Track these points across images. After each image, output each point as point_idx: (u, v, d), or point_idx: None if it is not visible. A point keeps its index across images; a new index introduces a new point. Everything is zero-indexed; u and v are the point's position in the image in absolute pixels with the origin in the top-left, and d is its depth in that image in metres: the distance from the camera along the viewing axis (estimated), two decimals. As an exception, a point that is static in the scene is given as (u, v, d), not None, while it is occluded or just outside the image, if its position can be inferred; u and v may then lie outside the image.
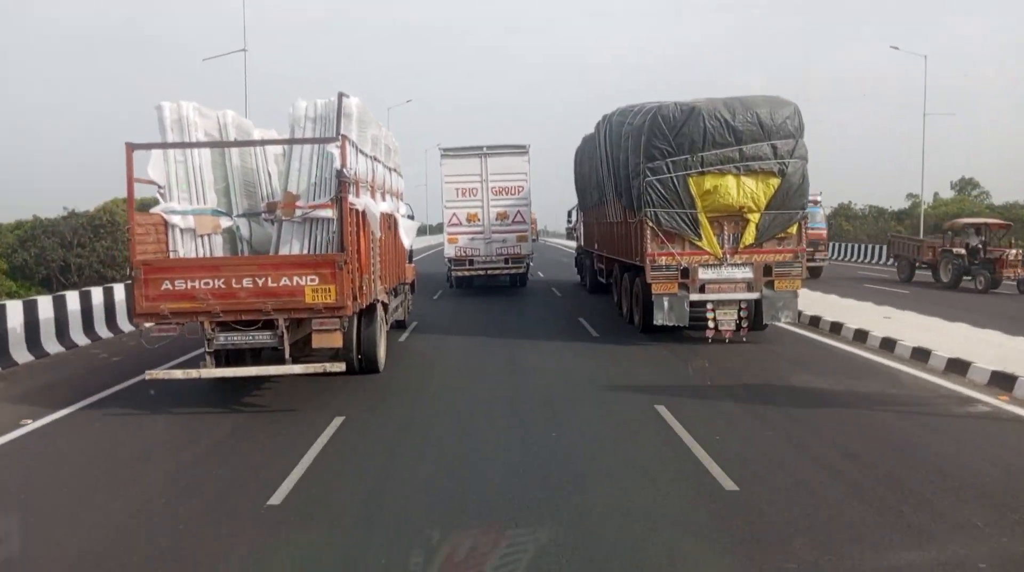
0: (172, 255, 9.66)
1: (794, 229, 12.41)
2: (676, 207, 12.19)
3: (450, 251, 21.87)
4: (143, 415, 8.96)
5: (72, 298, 13.93)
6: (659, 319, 12.46)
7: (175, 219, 9.74)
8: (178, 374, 9.11)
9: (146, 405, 9.32)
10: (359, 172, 10.01)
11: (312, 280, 8.92)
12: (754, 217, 12.22)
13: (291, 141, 9.92)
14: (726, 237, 12.34)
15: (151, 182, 9.60)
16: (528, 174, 21.80)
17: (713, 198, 12.12)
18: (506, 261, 21.87)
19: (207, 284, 8.84)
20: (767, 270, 12.39)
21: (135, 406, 9.33)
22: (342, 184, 9.20)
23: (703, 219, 12.24)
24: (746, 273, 12.40)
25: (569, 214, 28.93)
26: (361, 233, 9.95)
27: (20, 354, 12.17)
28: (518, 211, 21.75)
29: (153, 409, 9.15)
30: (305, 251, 9.68)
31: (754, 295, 12.45)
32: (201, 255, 9.90)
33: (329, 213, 9.62)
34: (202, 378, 9.34)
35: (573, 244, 30.66)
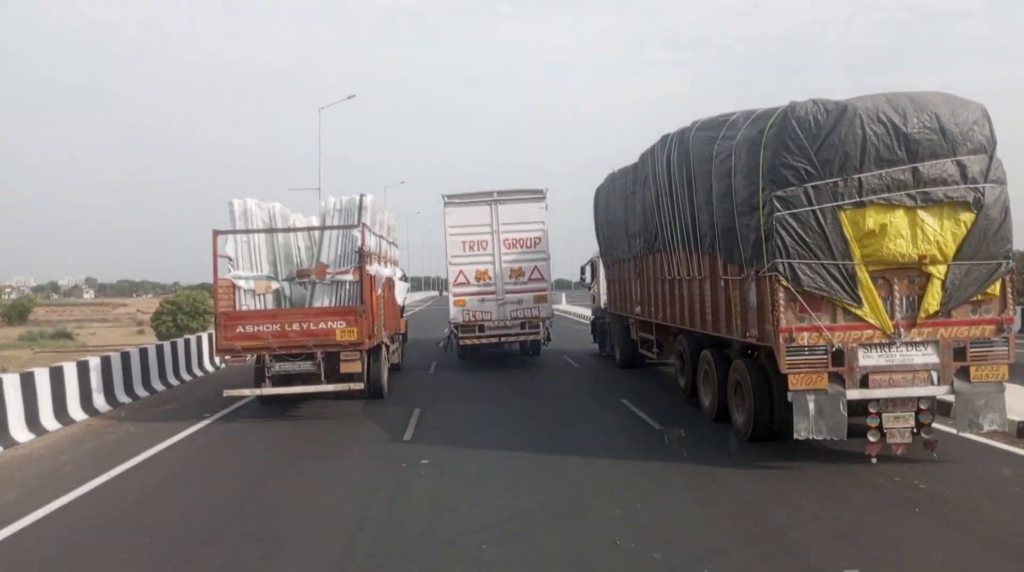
0: (240, 308, 13.48)
1: (996, 288, 8.59)
2: (823, 257, 8.43)
3: (457, 315, 18.67)
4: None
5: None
6: (802, 430, 8.48)
7: (240, 283, 13.60)
8: (247, 392, 12.88)
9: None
10: (371, 248, 13.99)
11: (341, 324, 12.77)
12: (939, 271, 8.48)
13: (328, 227, 14.03)
14: (897, 302, 8.56)
15: (226, 256, 13.48)
16: (546, 223, 19.07)
17: (878, 243, 8.43)
18: (522, 325, 18.80)
19: (268, 328, 12.70)
20: (959, 352, 8.60)
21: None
22: (362, 257, 13.17)
23: (863, 275, 8.48)
24: (928, 356, 8.58)
25: (583, 270, 24.29)
26: (372, 291, 13.86)
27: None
28: (535, 266, 18.85)
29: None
30: (332, 304, 13.55)
31: (942, 389, 8.66)
32: (259, 308, 13.73)
33: (350, 277, 13.58)
34: (264, 395, 13.09)
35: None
